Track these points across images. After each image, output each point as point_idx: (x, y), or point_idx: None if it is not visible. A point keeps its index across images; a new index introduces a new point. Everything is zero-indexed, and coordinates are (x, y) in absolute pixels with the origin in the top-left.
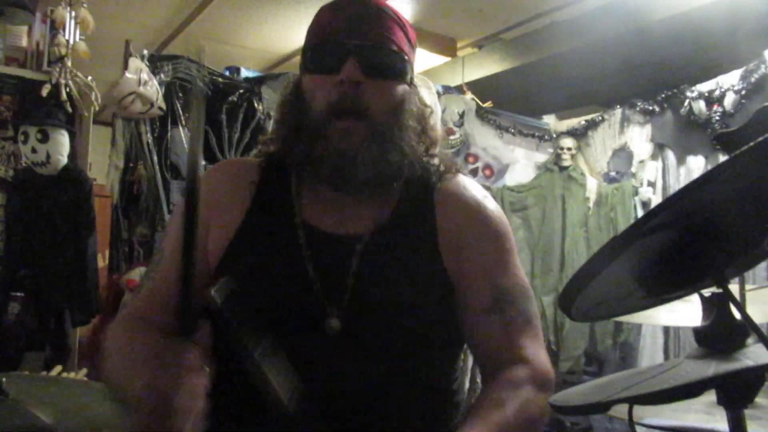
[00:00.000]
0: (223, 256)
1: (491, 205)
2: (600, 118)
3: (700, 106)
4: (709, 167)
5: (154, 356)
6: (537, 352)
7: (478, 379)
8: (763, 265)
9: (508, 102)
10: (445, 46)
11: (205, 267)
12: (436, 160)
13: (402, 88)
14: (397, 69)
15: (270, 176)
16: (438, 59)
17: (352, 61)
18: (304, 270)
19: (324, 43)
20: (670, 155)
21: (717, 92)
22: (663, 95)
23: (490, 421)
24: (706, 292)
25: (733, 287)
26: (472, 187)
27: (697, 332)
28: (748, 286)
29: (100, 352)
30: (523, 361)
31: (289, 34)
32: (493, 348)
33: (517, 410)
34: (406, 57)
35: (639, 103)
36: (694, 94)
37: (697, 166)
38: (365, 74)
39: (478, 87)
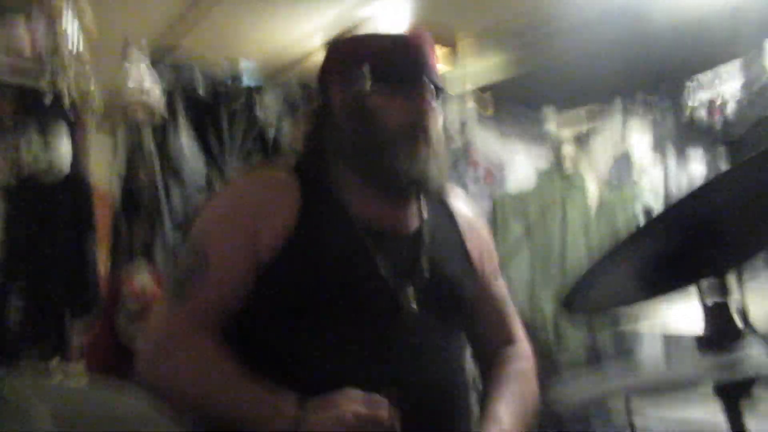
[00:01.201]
0: (280, 256)
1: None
2: (600, 113)
3: (702, 114)
4: (711, 172)
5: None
6: (520, 330)
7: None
8: (762, 261)
9: (508, 99)
10: (445, 41)
11: (248, 267)
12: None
13: (440, 110)
14: (440, 94)
15: (309, 180)
16: (440, 67)
17: (427, 86)
18: (374, 261)
19: (398, 67)
20: (672, 160)
21: (718, 98)
22: (663, 90)
23: (513, 392)
24: (708, 299)
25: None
26: (464, 198)
27: (698, 338)
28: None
29: (164, 359)
30: (514, 340)
31: (292, 31)
32: (493, 333)
33: (526, 381)
34: (441, 83)
35: (640, 109)
36: (695, 100)
37: (698, 171)
38: (431, 102)
39: (477, 85)
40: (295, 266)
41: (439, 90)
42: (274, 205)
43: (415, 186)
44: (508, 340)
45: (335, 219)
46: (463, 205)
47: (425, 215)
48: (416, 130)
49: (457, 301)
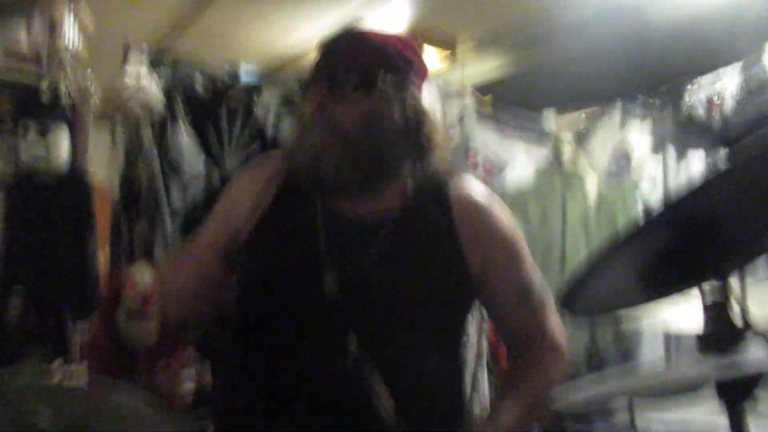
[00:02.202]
0: (249, 236)
1: (501, 205)
2: (600, 115)
3: (700, 109)
4: (709, 170)
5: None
6: (553, 324)
7: (480, 386)
8: (762, 260)
9: (507, 101)
10: (445, 43)
11: (230, 235)
12: (439, 161)
13: (375, 105)
14: (365, 90)
15: (296, 168)
16: (437, 60)
17: (320, 87)
18: (316, 246)
19: (309, 75)
20: (671, 152)
21: (716, 97)
22: (663, 92)
23: (521, 389)
24: (708, 300)
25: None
26: (481, 188)
27: (699, 339)
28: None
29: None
30: (543, 334)
31: (292, 33)
32: (522, 334)
33: (539, 380)
34: (378, 79)
35: (639, 101)
36: (694, 98)
37: (697, 163)
38: (333, 98)
39: (477, 87)
40: (256, 246)
41: (344, 91)
42: (255, 189)
43: (320, 181)
44: (532, 332)
45: (301, 203)
46: (470, 193)
47: (399, 203)
48: (313, 127)
49: (417, 292)
